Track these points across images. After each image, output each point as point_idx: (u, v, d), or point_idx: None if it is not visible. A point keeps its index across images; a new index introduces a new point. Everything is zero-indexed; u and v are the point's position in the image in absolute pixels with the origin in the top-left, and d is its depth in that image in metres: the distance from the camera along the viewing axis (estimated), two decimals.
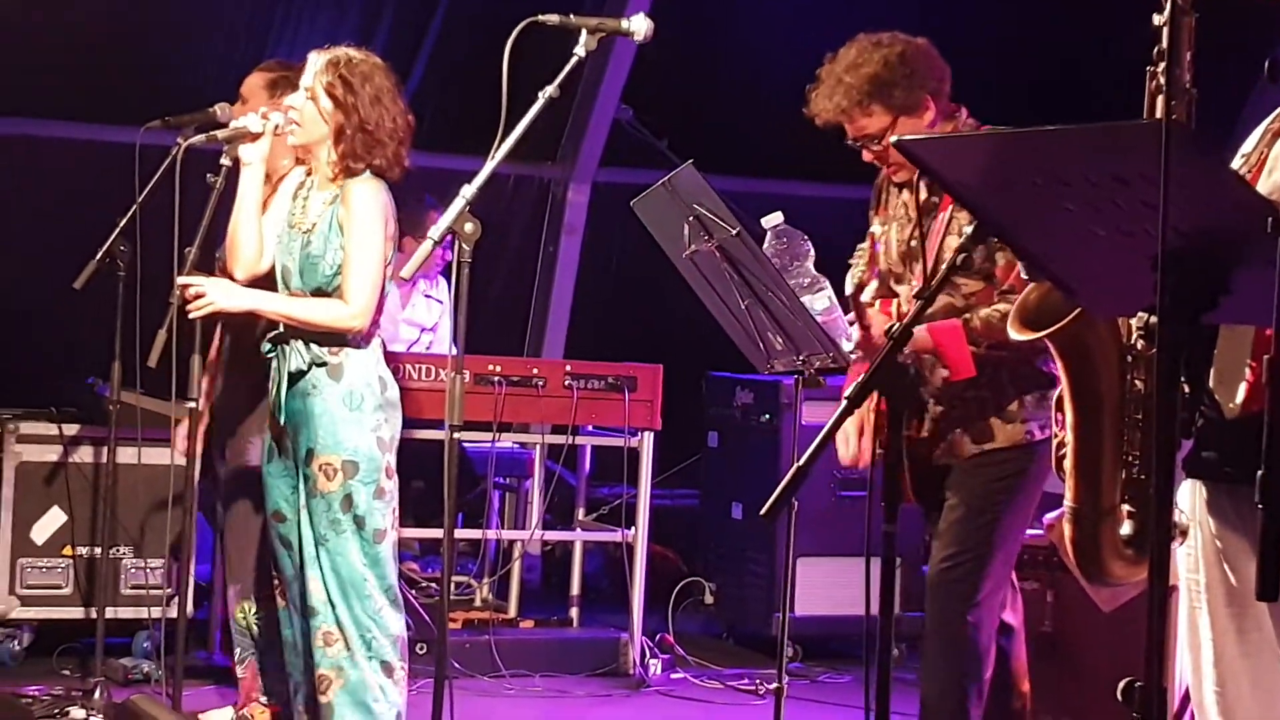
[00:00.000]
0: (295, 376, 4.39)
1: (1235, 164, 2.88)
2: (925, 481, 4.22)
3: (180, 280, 4.50)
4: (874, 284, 4.23)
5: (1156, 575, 2.18)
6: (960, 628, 4.14)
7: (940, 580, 4.18)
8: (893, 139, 2.58)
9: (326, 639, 4.39)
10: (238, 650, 5.04)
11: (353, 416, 4.37)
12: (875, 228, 4.35)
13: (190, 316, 4.50)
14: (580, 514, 6.93)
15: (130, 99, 6.11)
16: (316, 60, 4.46)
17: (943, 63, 4.19)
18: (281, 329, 4.44)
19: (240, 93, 5.08)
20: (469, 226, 3.90)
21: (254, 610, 4.92)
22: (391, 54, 7.74)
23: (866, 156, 4.18)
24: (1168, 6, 2.47)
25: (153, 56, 7.17)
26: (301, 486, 4.41)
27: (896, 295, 4.27)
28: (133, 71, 7.07)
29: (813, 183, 8.46)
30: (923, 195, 4.20)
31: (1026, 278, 3.38)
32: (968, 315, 4.04)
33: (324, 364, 4.38)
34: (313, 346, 4.38)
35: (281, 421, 4.42)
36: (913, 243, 4.22)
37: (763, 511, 2.88)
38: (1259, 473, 2.28)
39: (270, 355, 4.46)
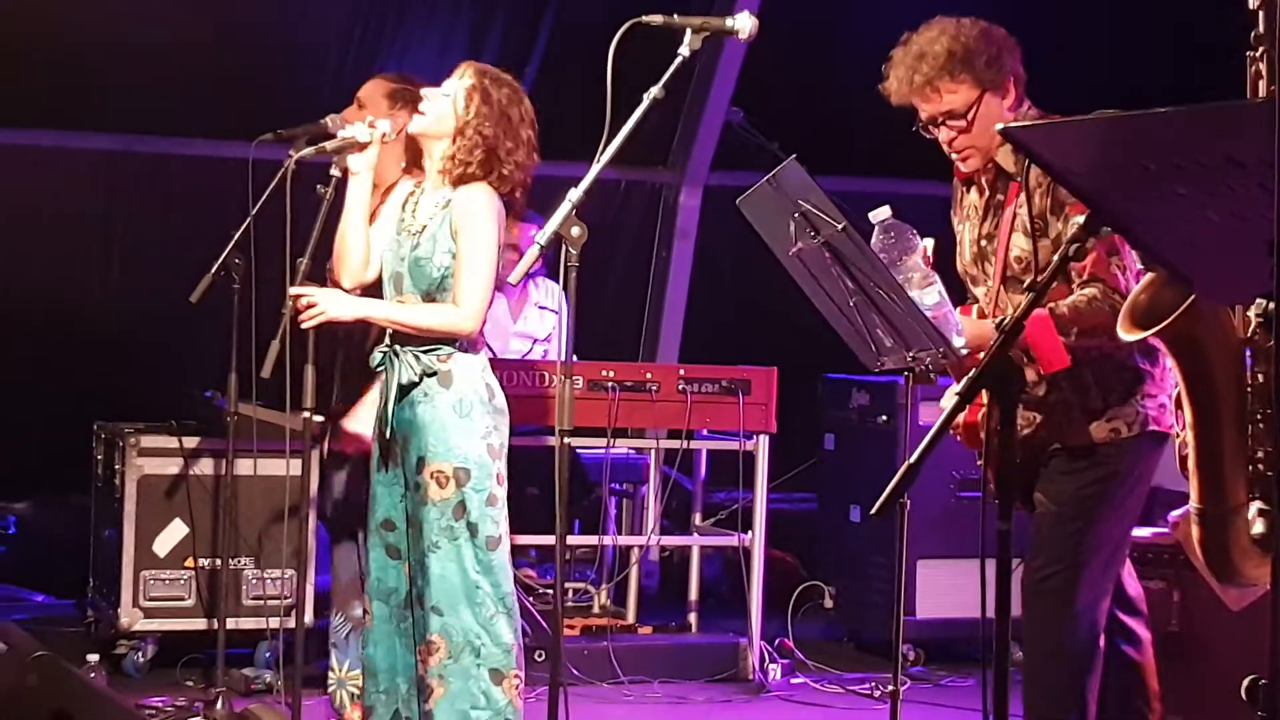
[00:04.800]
0: (407, 388, 4.39)
1: None
2: (1024, 489, 4.10)
3: (292, 290, 4.51)
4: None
5: (1279, 573, 2.10)
6: (1058, 638, 4.01)
7: (1036, 590, 4.03)
8: (998, 126, 2.51)
9: (430, 647, 4.38)
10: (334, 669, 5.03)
11: (463, 424, 4.36)
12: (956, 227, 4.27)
13: (302, 326, 4.51)
14: (697, 519, 6.90)
15: (244, 114, 6.16)
16: (467, 67, 4.49)
17: (1019, 49, 4.10)
18: (387, 340, 4.44)
19: (358, 97, 5.10)
20: (575, 230, 3.89)
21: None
22: (502, 61, 7.85)
23: (943, 137, 4.08)
24: None
25: (265, 71, 7.24)
26: (412, 496, 4.41)
27: (975, 299, 4.18)
28: (246, 87, 7.15)
29: (928, 180, 8.35)
30: (987, 192, 4.12)
31: (1142, 266, 3.33)
32: (1052, 305, 3.88)
33: (434, 373, 4.38)
34: (423, 356, 4.38)
35: (388, 434, 4.42)
36: (983, 242, 4.13)
37: (873, 510, 2.83)
38: None
39: (379, 368, 4.46)
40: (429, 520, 4.35)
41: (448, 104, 4.43)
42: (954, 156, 4.15)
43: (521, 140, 4.45)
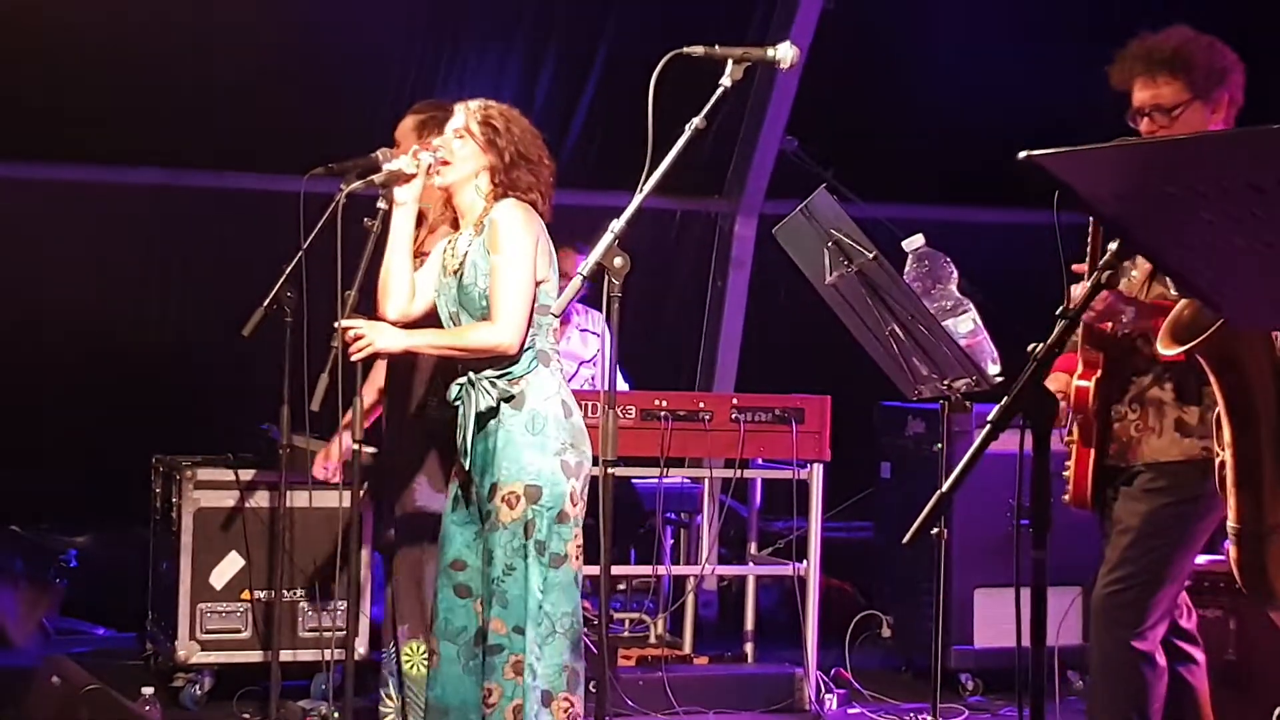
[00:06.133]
0: (485, 416, 4.39)
1: None
2: (1098, 486, 4.14)
3: (340, 323, 4.54)
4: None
5: None
6: (1126, 654, 4.04)
7: (1106, 604, 4.08)
8: (1021, 155, 2.48)
9: (516, 668, 4.37)
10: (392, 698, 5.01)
11: (535, 441, 4.37)
12: None
13: (351, 359, 4.53)
14: (752, 548, 6.88)
15: (298, 151, 6.22)
16: (463, 106, 4.53)
17: (1243, 76, 4.17)
18: (460, 370, 4.45)
19: (394, 137, 5.14)
20: (618, 261, 3.90)
21: (422, 650, 4.92)
22: (556, 93, 7.92)
23: (1145, 127, 4.13)
24: None
25: (320, 110, 7.30)
26: (484, 525, 4.41)
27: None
28: (301, 125, 7.21)
29: (983, 208, 8.35)
30: None
31: (1176, 293, 3.31)
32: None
33: (510, 397, 4.39)
34: (498, 382, 4.39)
35: (467, 465, 4.43)
36: None
37: (905, 540, 2.83)
38: None
39: (457, 401, 4.45)
40: (500, 545, 4.35)
41: (464, 143, 4.47)
42: None
43: (547, 154, 4.52)
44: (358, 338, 4.46)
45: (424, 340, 4.51)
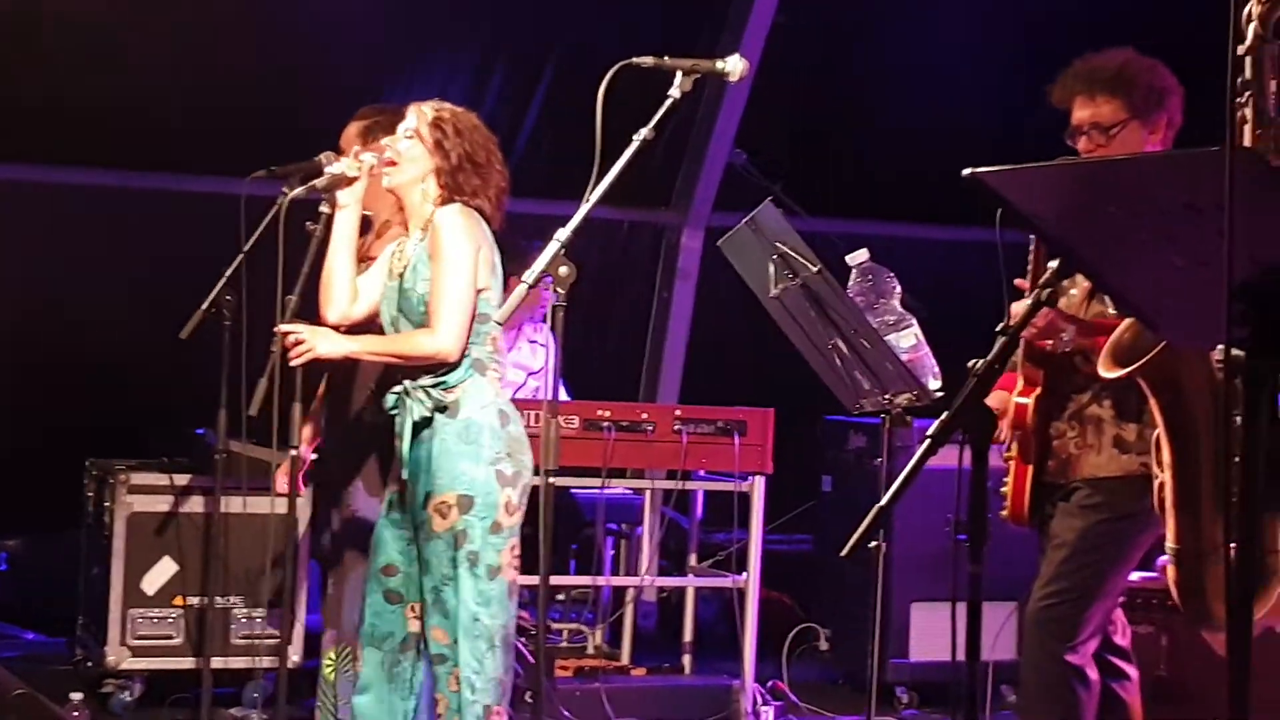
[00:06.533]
0: (420, 425, 4.36)
1: None
2: (1037, 502, 4.17)
3: (280, 328, 4.50)
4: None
5: (1236, 616, 2.09)
6: (1058, 668, 4.08)
7: (1040, 618, 4.12)
8: (966, 172, 2.49)
9: (459, 681, 4.34)
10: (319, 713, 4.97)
11: (469, 450, 4.32)
12: None
13: (291, 364, 4.50)
14: (692, 560, 6.87)
15: (238, 154, 6.18)
16: (416, 108, 4.50)
17: (1182, 98, 4.20)
18: (399, 378, 4.42)
19: (339, 144, 5.11)
20: (564, 270, 3.89)
21: (346, 653, 4.87)
22: (505, 102, 7.89)
23: (1082, 146, 4.16)
24: (1249, 35, 2.41)
25: (265, 112, 7.24)
26: (421, 534, 4.38)
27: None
28: (241, 128, 7.15)
29: (927, 224, 8.38)
30: None
31: (1115, 312, 3.32)
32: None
33: (445, 407, 4.35)
34: (432, 392, 4.35)
35: (404, 475, 4.39)
36: None
37: (843, 552, 2.84)
38: None
39: (394, 411, 4.41)
40: (436, 554, 4.32)
41: (413, 144, 4.44)
42: None
43: (499, 160, 4.49)
44: (298, 342, 4.43)
45: (364, 346, 4.47)
